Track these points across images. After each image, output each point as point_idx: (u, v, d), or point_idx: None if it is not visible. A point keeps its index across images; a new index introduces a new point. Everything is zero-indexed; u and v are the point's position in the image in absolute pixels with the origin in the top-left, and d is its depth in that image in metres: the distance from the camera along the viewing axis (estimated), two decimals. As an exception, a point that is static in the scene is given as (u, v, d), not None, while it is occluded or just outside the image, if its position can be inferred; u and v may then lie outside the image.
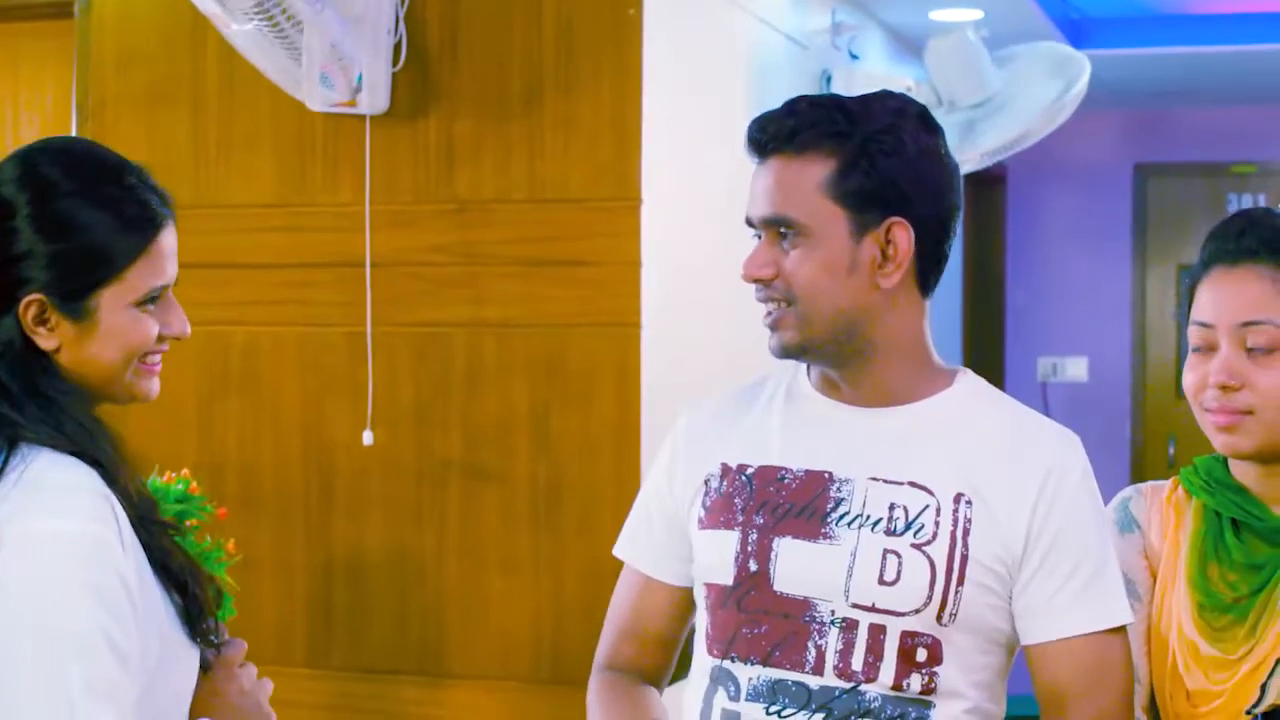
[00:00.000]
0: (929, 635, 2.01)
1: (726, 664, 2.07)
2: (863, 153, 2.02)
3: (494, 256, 3.93)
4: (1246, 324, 2.11)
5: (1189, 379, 2.17)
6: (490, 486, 3.94)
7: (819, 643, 2.01)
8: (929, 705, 2.01)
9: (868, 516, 2.03)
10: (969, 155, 4.90)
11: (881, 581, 2.01)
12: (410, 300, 3.98)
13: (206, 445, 4.13)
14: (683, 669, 2.23)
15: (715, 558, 2.10)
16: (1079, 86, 4.88)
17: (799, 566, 2.04)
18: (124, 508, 1.82)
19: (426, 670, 3.99)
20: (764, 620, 2.04)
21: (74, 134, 4.24)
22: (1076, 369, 8.03)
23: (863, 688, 2.00)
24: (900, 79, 5.06)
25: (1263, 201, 7.73)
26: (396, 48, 3.91)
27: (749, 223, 2.09)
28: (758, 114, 2.11)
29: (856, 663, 2.00)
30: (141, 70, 4.19)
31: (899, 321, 2.08)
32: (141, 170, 1.96)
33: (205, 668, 1.92)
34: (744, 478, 2.11)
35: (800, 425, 2.12)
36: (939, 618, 2.00)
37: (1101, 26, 6.56)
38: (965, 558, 2.01)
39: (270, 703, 2.00)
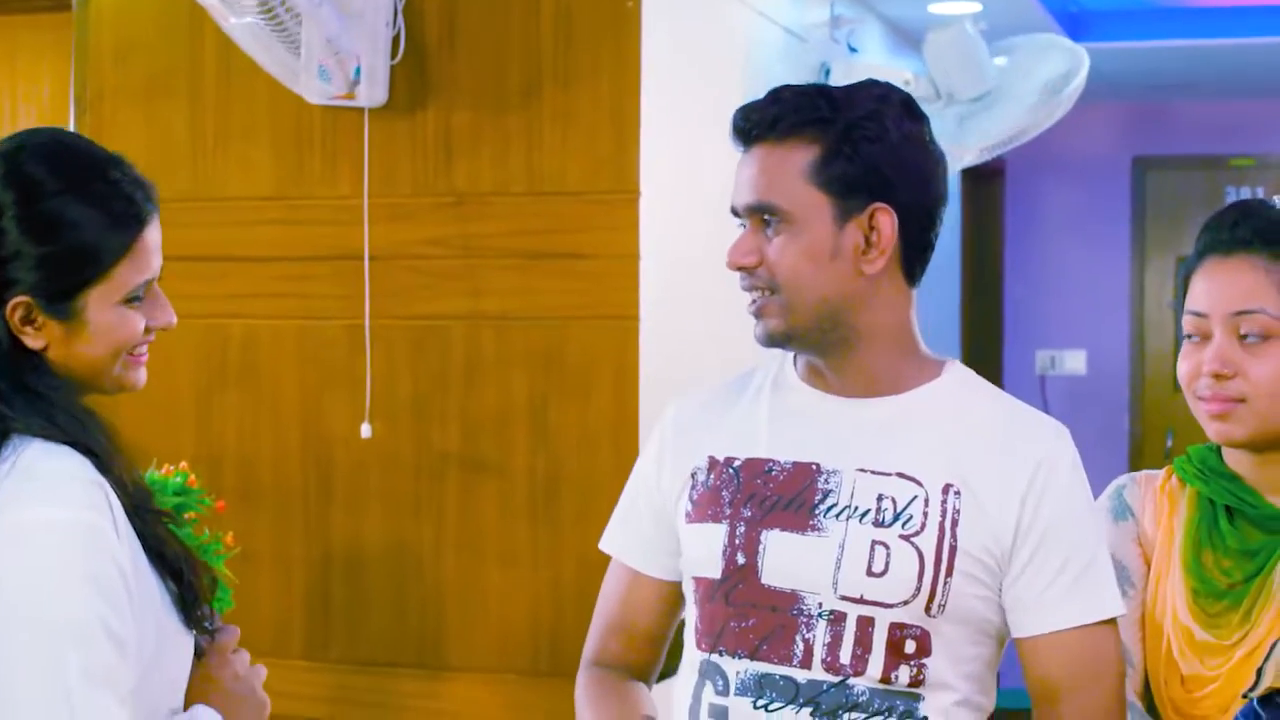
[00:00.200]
0: (917, 627, 2.00)
1: (714, 658, 2.06)
2: (845, 138, 2.02)
3: (492, 249, 3.92)
4: (1240, 313, 2.13)
5: (1183, 368, 2.19)
6: (488, 479, 3.94)
7: (807, 636, 2.01)
8: (918, 698, 2.00)
9: (856, 508, 2.02)
10: (968, 149, 4.90)
11: (870, 573, 2.00)
12: (408, 293, 3.98)
13: (205, 438, 4.12)
14: (674, 663, 2.23)
15: (703, 551, 2.09)
16: (1078, 80, 4.88)
17: (787, 559, 2.03)
18: (119, 496, 1.82)
19: (425, 663, 3.99)
20: (752, 614, 2.04)
21: (72, 126, 4.24)
22: (1075, 362, 8.03)
23: (851, 681, 1.99)
24: (899, 72, 5.06)
25: (1261, 194, 7.74)
26: (395, 40, 3.91)
27: (734, 212, 2.09)
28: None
29: (844, 656, 1.99)
30: (139, 62, 4.18)
31: (884, 309, 2.07)
32: (124, 163, 1.94)
33: (199, 654, 1.93)
34: (731, 470, 2.10)
35: (787, 416, 2.11)
36: (927, 609, 1.99)
37: (1100, 19, 6.56)
38: (954, 549, 2.00)
39: (268, 695, 2.00)
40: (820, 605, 2.01)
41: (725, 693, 2.04)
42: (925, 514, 2.01)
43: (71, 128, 4.23)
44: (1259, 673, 2.08)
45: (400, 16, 3.90)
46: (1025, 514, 2.01)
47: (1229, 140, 7.86)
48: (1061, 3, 6.20)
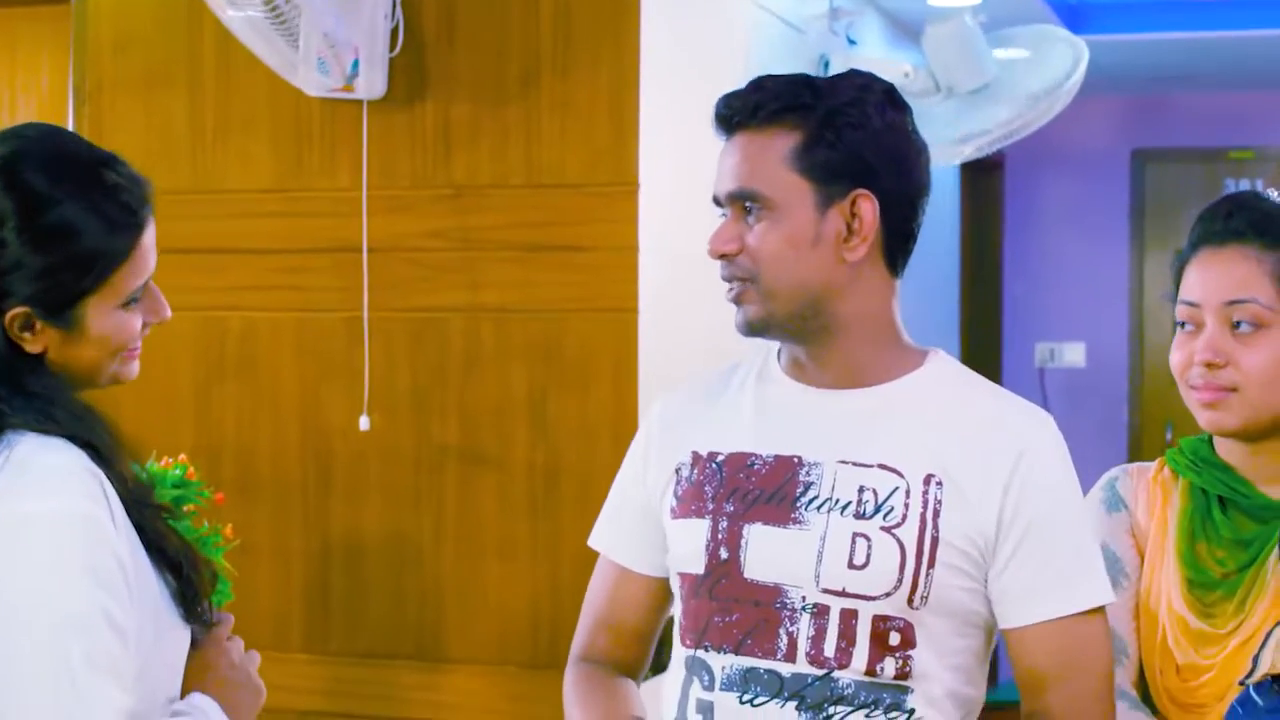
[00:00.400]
0: (901, 619, 1.98)
1: (700, 654, 2.05)
2: (828, 124, 2.01)
3: (491, 241, 3.92)
4: (1232, 302, 2.15)
5: (1175, 357, 2.20)
6: (487, 472, 3.94)
7: (790, 629, 2.00)
8: (905, 690, 1.99)
9: (837, 500, 2.01)
10: (968, 142, 4.89)
11: (851, 565, 1.98)
12: (407, 285, 3.98)
13: (204, 430, 4.13)
14: (667, 659, 2.22)
15: (687, 547, 2.08)
16: (1077, 74, 4.87)
17: (769, 553, 2.02)
18: (119, 491, 1.82)
19: (424, 655, 3.99)
20: (735, 608, 2.03)
21: (71, 118, 4.24)
22: (1074, 355, 8.03)
23: (835, 674, 1.98)
24: (898, 64, 5.06)
25: (1260, 186, 7.74)
26: (394, 32, 3.91)
27: (716, 201, 2.09)
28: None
29: (829, 649, 1.98)
30: (138, 54, 4.18)
31: (865, 298, 2.06)
32: (120, 162, 1.91)
33: (195, 642, 1.93)
34: (714, 465, 2.09)
35: (770, 410, 2.11)
36: (910, 600, 1.98)
37: (1098, 11, 6.55)
38: (936, 540, 1.99)
39: (268, 687, 2.01)
40: (803, 599, 2.00)
41: (711, 688, 2.03)
42: (906, 505, 2.00)
43: (70, 120, 4.24)
44: (1255, 660, 2.09)
45: (399, 9, 3.90)
46: (1008, 504, 2.00)
47: (1228, 132, 7.86)
48: (1060, -5, 6.19)
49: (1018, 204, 8.08)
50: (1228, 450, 2.22)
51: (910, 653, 1.99)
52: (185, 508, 3.26)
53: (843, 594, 1.99)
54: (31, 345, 1.86)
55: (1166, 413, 7.74)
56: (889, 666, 1.98)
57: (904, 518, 1.99)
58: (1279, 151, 7.86)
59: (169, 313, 1.97)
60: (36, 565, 1.74)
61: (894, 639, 1.98)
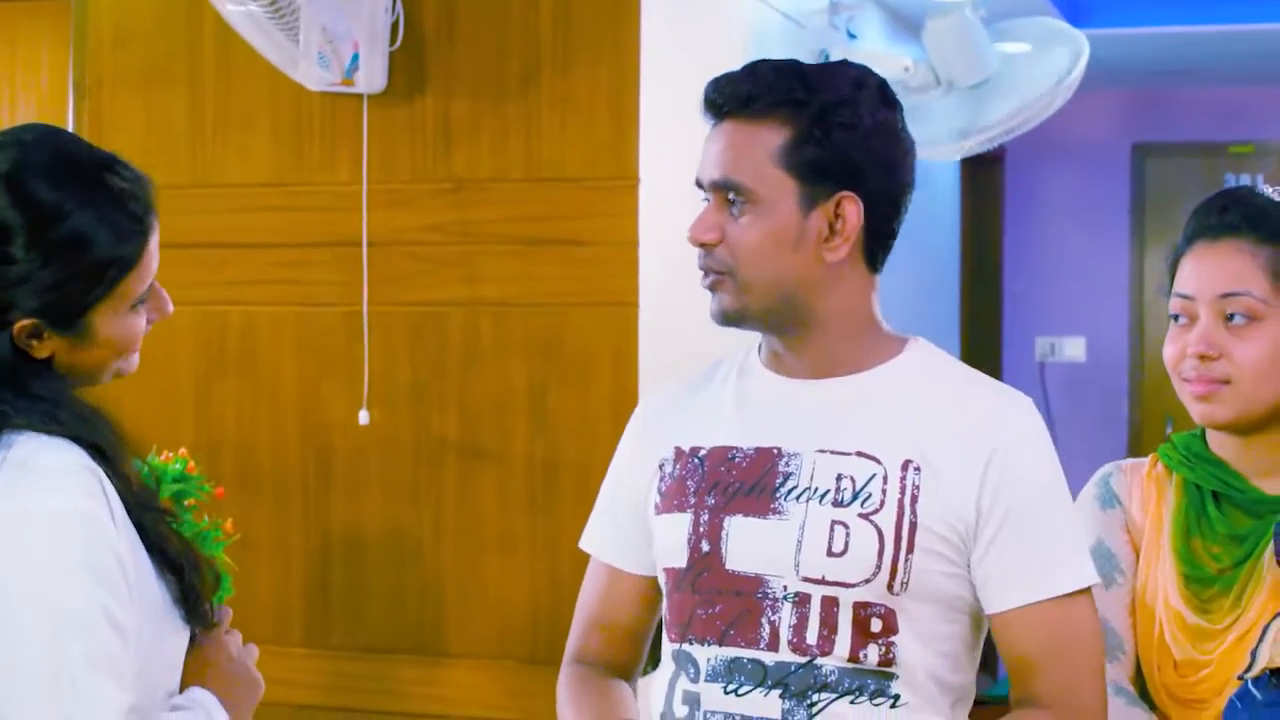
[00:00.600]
0: (881, 605, 1.98)
1: (686, 647, 2.05)
2: (818, 123, 2.00)
3: (491, 236, 3.93)
4: (1226, 295, 2.16)
5: (1169, 350, 2.21)
6: (487, 466, 3.94)
7: (772, 618, 1.99)
8: (890, 676, 1.98)
9: (815, 489, 2.01)
10: (969, 137, 4.88)
11: (830, 553, 1.98)
12: (407, 280, 3.98)
13: (203, 425, 4.13)
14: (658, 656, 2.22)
15: (670, 541, 2.09)
16: (1078, 69, 4.87)
17: (749, 544, 2.02)
18: (122, 492, 1.82)
19: (424, 650, 3.99)
20: (718, 600, 2.03)
21: (71, 113, 4.24)
22: (1074, 349, 8.03)
23: (818, 661, 1.98)
24: (898, 58, 5.05)
25: (1260, 181, 7.74)
26: (394, 27, 3.91)
27: (698, 184, 2.08)
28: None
29: (811, 636, 1.98)
30: (138, 49, 4.18)
31: (844, 296, 2.06)
32: (122, 164, 1.89)
33: (194, 638, 1.93)
34: (696, 459, 2.09)
35: (750, 403, 2.11)
36: (890, 586, 1.97)
37: (1099, 5, 6.55)
38: (914, 525, 1.98)
39: (267, 682, 2.01)
40: (785, 588, 2.00)
41: (696, 679, 2.04)
42: (884, 491, 1.99)
43: (71, 115, 4.23)
44: (1253, 655, 2.09)
45: (399, 3, 3.90)
46: (987, 488, 1.99)
47: (1228, 127, 7.86)
48: (1061, -11, 6.19)
49: (1018, 198, 8.08)
50: (1220, 445, 2.22)
51: (893, 639, 1.98)
52: (186, 502, 3.26)
53: (822, 582, 1.98)
54: (39, 351, 1.85)
55: (1167, 407, 7.73)
56: (872, 653, 1.98)
57: (881, 504, 1.99)
58: (1279, 146, 7.86)
59: (172, 308, 1.96)
60: (36, 563, 1.74)
61: (876, 625, 1.98)
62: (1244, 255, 2.16)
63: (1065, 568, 2.01)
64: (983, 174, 7.69)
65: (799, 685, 1.98)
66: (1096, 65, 5.07)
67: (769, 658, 2.00)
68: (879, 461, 2.01)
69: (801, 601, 1.99)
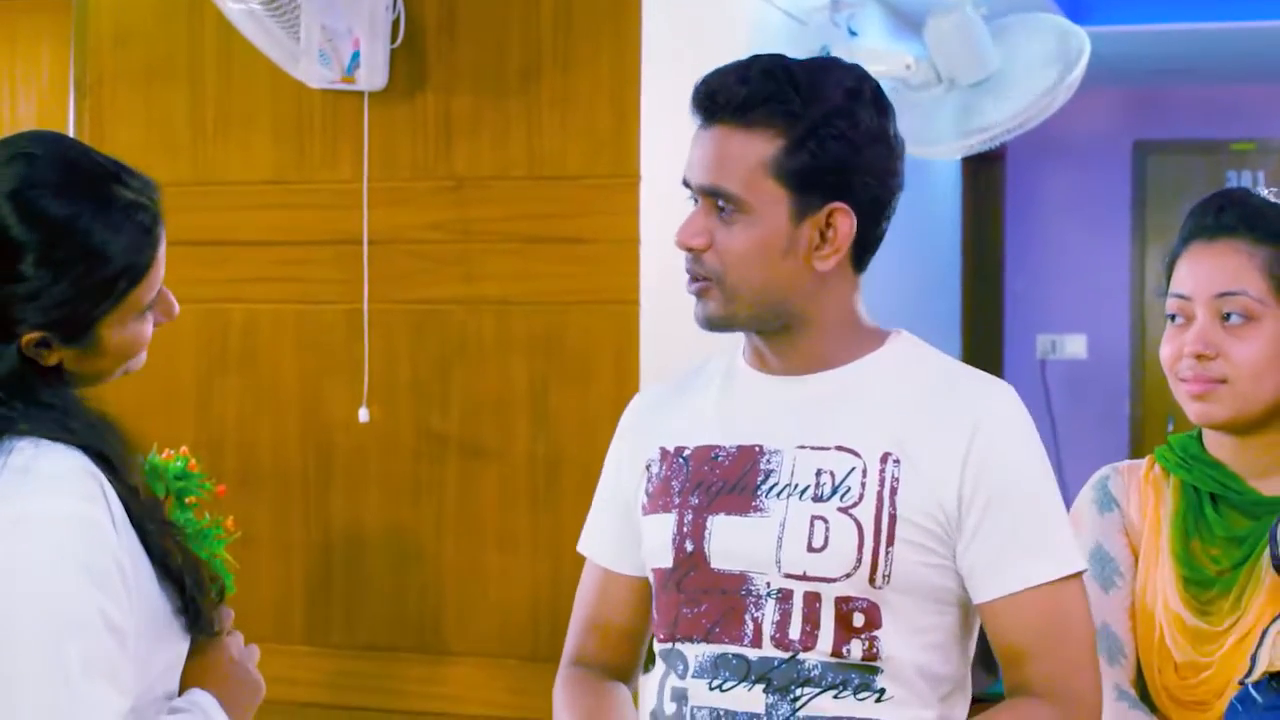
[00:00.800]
0: (864, 599, 1.97)
1: (675, 645, 2.06)
2: (811, 135, 1.98)
3: (492, 233, 3.92)
4: (1223, 295, 2.17)
5: (1165, 350, 2.22)
6: (488, 464, 3.94)
7: (755, 615, 1.99)
8: (875, 671, 1.98)
9: (795, 485, 2.01)
10: (970, 136, 4.88)
11: (810, 549, 1.98)
12: (408, 277, 3.98)
13: (205, 423, 4.13)
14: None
15: (656, 542, 2.09)
16: (1080, 66, 4.86)
17: (732, 542, 2.02)
18: (127, 502, 1.81)
19: (425, 647, 3.99)
20: (704, 599, 2.03)
21: (72, 111, 4.23)
22: (1075, 346, 8.03)
23: (801, 656, 1.97)
24: (900, 56, 5.05)
25: (1261, 179, 7.75)
26: (395, 24, 3.90)
27: (685, 184, 2.08)
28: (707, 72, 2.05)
29: (794, 632, 1.98)
30: (139, 46, 4.18)
31: (831, 299, 2.05)
32: (128, 172, 1.88)
33: (195, 640, 1.92)
34: (681, 459, 2.10)
35: (733, 401, 2.11)
36: (872, 580, 1.97)
37: (1101, 3, 6.54)
38: (894, 517, 1.97)
39: (268, 680, 2.00)
40: (768, 584, 1.99)
41: (684, 676, 2.04)
42: (863, 485, 1.98)
43: (71, 112, 4.23)
44: (1252, 659, 2.09)
45: (399, 0, 3.90)
46: (968, 476, 1.98)
47: (1229, 124, 7.86)
48: (1062, -14, 6.18)
49: (1019, 196, 8.08)
50: (1217, 446, 2.23)
51: (875, 634, 1.97)
52: (187, 500, 3.26)
53: (804, 578, 1.98)
54: (47, 359, 1.84)
55: (1168, 405, 7.69)
56: (855, 648, 1.97)
57: (861, 497, 1.98)
58: (1280, 143, 7.87)
59: (178, 310, 1.96)
60: (34, 566, 1.73)
61: (858, 620, 1.97)
62: (1240, 255, 2.17)
63: (1051, 554, 2.00)
64: (984, 172, 7.69)
65: (782, 680, 1.98)
66: (1098, 63, 5.06)
67: (752, 653, 2.00)
68: (858, 455, 2.00)
69: (784, 598, 1.99)
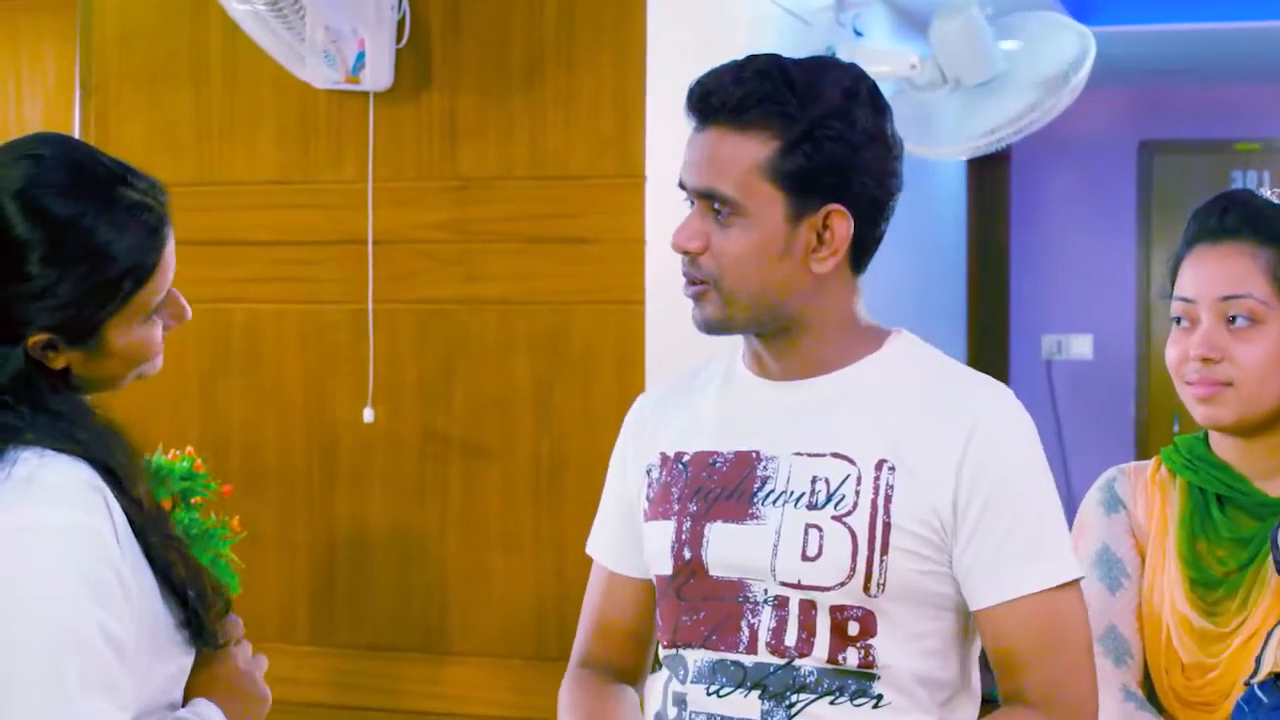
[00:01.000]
0: (859, 608, 1.96)
1: (677, 651, 2.05)
2: (807, 137, 1.96)
3: (496, 233, 3.92)
4: (1228, 297, 2.16)
5: (1171, 353, 2.22)
6: (492, 463, 3.94)
7: (751, 621, 1.99)
8: (871, 678, 1.96)
9: (791, 492, 1.99)
10: (975, 136, 4.88)
11: (805, 557, 1.96)
12: (412, 277, 3.98)
13: (209, 423, 4.13)
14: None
15: (657, 548, 2.08)
16: (1085, 66, 4.86)
17: (729, 550, 2.01)
18: (131, 514, 1.80)
19: (429, 647, 3.99)
20: (703, 606, 2.02)
21: (77, 111, 4.24)
22: (1081, 346, 8.02)
23: (797, 662, 1.97)
24: (905, 56, 5.05)
25: (1266, 179, 7.74)
26: (400, 24, 3.90)
27: (681, 186, 2.07)
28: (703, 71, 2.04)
29: (789, 639, 1.97)
30: (144, 47, 4.18)
31: (829, 302, 2.04)
32: (135, 174, 1.87)
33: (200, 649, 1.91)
34: (680, 465, 2.09)
35: (732, 406, 2.09)
36: (866, 589, 1.95)
37: (1106, 2, 6.54)
38: (888, 525, 1.95)
39: (273, 680, 1.99)
40: (765, 592, 1.99)
41: (685, 681, 2.04)
42: (858, 493, 1.97)
43: (76, 112, 4.24)
44: (1258, 661, 2.09)
45: (404, 0, 3.90)
46: (963, 482, 1.95)
47: (1235, 125, 7.85)
48: (1067, -14, 6.18)
49: (1024, 196, 8.07)
50: (1224, 447, 2.23)
51: (870, 642, 1.96)
52: (193, 500, 3.26)
53: (799, 586, 1.97)
54: (54, 362, 1.83)
55: (1173, 405, 7.70)
56: (851, 656, 1.96)
57: (855, 505, 1.97)
58: (1286, 143, 7.86)
59: (190, 314, 1.95)
60: (35, 577, 1.71)
61: (853, 629, 1.96)
62: (1245, 258, 2.17)
63: (1048, 561, 1.97)
64: (989, 172, 7.69)
65: (777, 686, 1.97)
66: (1102, 62, 5.06)
67: (749, 659, 1.99)
68: (853, 462, 1.98)
69: (780, 605, 1.98)
